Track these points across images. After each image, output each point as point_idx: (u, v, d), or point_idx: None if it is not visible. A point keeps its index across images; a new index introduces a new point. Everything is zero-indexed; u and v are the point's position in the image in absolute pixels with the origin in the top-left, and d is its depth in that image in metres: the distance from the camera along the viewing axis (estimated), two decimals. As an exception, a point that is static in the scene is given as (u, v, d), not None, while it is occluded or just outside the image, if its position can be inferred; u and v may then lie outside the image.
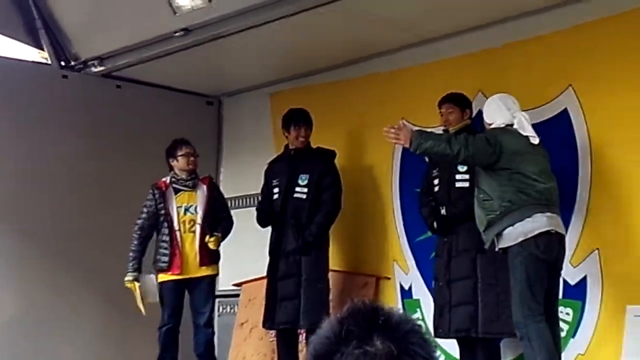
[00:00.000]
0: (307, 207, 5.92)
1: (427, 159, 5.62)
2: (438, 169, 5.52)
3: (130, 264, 6.02)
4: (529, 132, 4.85)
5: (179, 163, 6.14)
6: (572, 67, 5.43)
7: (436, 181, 5.55)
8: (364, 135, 6.52)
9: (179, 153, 6.14)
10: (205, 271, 6.07)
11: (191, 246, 6.03)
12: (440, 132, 5.41)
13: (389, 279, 6.21)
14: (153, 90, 7.35)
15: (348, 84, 6.66)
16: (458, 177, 5.40)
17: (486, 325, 5.19)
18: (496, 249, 4.82)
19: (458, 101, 5.51)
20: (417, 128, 5.27)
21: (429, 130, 5.27)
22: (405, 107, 6.20)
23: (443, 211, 5.40)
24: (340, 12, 5.73)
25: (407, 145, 4.83)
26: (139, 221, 6.08)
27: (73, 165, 6.82)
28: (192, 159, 6.15)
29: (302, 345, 6.09)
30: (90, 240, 6.74)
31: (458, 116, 5.47)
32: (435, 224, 5.46)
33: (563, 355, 4.92)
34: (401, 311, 1.43)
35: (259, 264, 6.24)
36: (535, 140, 4.84)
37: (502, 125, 4.90)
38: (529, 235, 4.64)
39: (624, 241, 5.14)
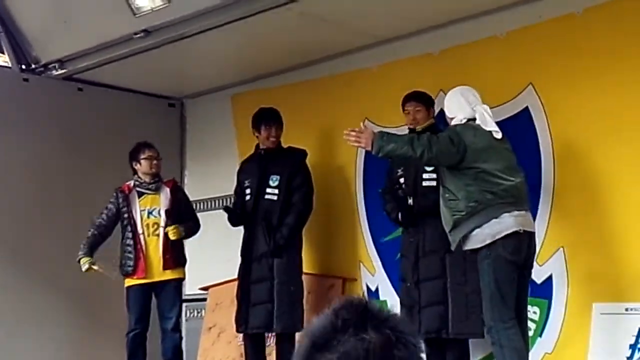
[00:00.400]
0: (278, 208, 5.70)
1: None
2: (403, 167, 5.31)
3: (81, 252, 5.79)
4: (491, 126, 4.60)
5: (142, 166, 5.96)
6: (532, 65, 5.26)
7: (401, 180, 5.34)
8: (327, 136, 6.31)
9: (142, 156, 5.97)
10: (170, 275, 5.88)
11: (155, 249, 5.85)
12: (406, 131, 5.21)
13: (355, 280, 6.04)
14: (115, 92, 7.13)
15: (309, 85, 6.47)
16: (425, 175, 5.19)
17: (457, 326, 5.01)
18: (463, 249, 4.62)
19: (424, 100, 5.31)
20: (379, 129, 5.07)
21: (391, 131, 5.05)
22: (367, 107, 6.01)
23: (410, 201, 5.18)
24: (297, 14, 5.53)
25: (368, 149, 4.55)
26: (97, 220, 5.91)
27: (35, 168, 6.60)
28: (155, 162, 5.97)
29: (270, 349, 5.92)
30: (53, 243, 6.49)
31: (425, 115, 5.28)
32: (400, 216, 5.26)
33: (531, 354, 4.74)
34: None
35: (226, 268, 6.07)
36: (499, 135, 4.59)
37: (464, 120, 4.65)
38: (497, 237, 4.42)
39: (589, 239, 4.99)
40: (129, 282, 5.89)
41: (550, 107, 5.15)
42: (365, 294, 5.97)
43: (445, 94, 5.39)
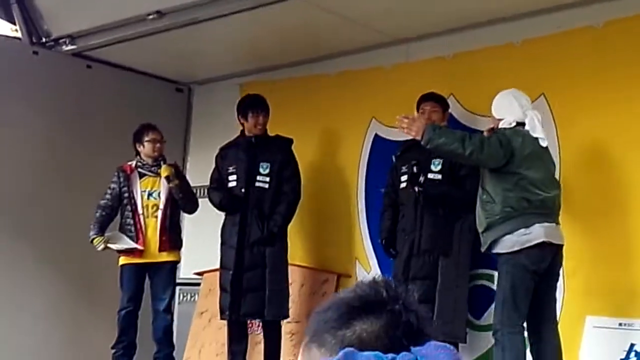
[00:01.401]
0: (269, 197, 5.56)
1: (394, 158, 5.32)
2: (408, 165, 5.19)
3: (93, 232, 5.72)
4: (538, 133, 4.49)
5: (145, 149, 5.88)
6: (546, 76, 5.15)
7: (404, 177, 5.23)
8: (333, 132, 6.21)
9: (146, 138, 5.88)
10: (166, 257, 5.80)
11: (153, 231, 5.77)
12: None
13: (350, 277, 5.92)
14: (123, 72, 6.96)
15: (318, 80, 6.34)
16: (430, 176, 5.10)
17: (441, 328, 4.87)
18: (492, 252, 4.54)
19: (441, 102, 5.23)
20: (385, 129, 4.94)
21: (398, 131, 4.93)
22: (375, 106, 5.91)
23: (421, 178, 5.06)
24: (313, 6, 5.41)
25: (418, 137, 4.46)
26: (102, 202, 5.82)
27: (37, 142, 6.44)
28: (158, 145, 5.88)
29: (256, 337, 5.83)
30: (49, 220, 6.35)
31: (440, 117, 5.18)
32: (383, 241, 5.27)
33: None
34: None
35: (222, 254, 5.91)
36: (544, 143, 4.51)
37: (513, 124, 4.52)
38: (525, 246, 4.36)
39: (589, 253, 4.90)
40: (123, 260, 5.81)
41: (560, 120, 5.05)
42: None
43: (456, 99, 5.31)
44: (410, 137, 4.83)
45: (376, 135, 5.94)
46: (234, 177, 5.65)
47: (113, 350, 5.75)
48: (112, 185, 5.83)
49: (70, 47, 6.60)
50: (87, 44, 6.53)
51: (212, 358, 6.28)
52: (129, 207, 5.78)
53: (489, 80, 5.27)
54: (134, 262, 5.75)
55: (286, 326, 5.87)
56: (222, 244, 5.66)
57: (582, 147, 5.01)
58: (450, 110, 5.38)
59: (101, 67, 6.84)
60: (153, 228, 5.76)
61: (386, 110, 5.78)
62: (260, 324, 5.78)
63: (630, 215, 4.81)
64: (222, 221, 5.78)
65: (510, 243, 4.40)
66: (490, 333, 4.56)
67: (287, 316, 5.59)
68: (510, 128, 4.51)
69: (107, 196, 5.82)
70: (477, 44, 5.48)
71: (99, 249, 5.73)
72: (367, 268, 5.90)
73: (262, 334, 5.73)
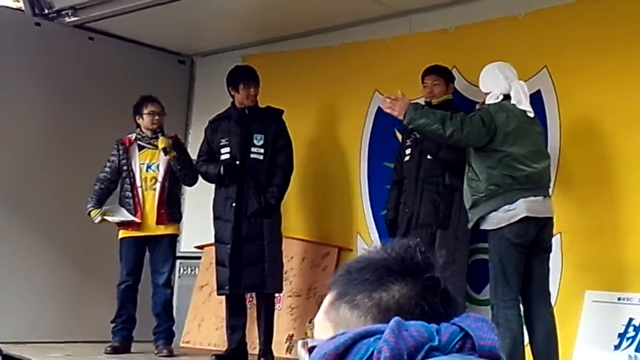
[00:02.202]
0: (265, 168, 5.61)
1: (398, 134, 5.41)
2: (410, 140, 5.29)
3: (90, 204, 5.81)
4: (525, 105, 4.55)
5: (144, 121, 5.93)
6: (549, 48, 5.20)
7: (407, 151, 5.33)
8: (335, 104, 6.27)
9: (145, 111, 5.93)
10: (164, 230, 5.86)
11: (152, 204, 5.85)
12: (422, 103, 5.15)
13: (351, 250, 6.01)
14: (126, 44, 7.03)
15: (321, 52, 6.40)
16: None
17: None
18: (480, 228, 4.62)
19: (444, 74, 5.30)
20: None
21: (422, 104, 4.99)
22: (377, 78, 5.96)
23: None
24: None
25: (400, 117, 4.60)
26: (101, 174, 5.90)
27: (38, 114, 6.50)
28: (157, 117, 5.92)
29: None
30: (49, 191, 6.44)
31: (442, 89, 5.26)
32: (388, 222, 5.40)
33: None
34: None
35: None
36: (531, 114, 4.58)
37: (500, 97, 4.58)
38: (511, 221, 4.44)
39: (587, 227, 4.97)
40: (123, 234, 5.88)
41: (562, 93, 5.10)
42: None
43: (459, 72, 5.37)
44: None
45: (379, 108, 5.99)
46: (226, 149, 5.67)
47: (113, 324, 5.83)
48: (112, 158, 5.90)
49: (72, 19, 6.66)
50: (89, 16, 6.60)
51: (212, 332, 6.39)
52: (127, 180, 5.84)
53: (491, 53, 5.29)
54: (133, 236, 5.82)
55: (287, 300, 5.97)
56: (216, 218, 5.70)
57: (583, 121, 5.05)
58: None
59: (103, 39, 6.90)
60: (151, 201, 5.83)
61: (389, 82, 5.81)
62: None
63: (630, 189, 4.86)
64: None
65: (496, 220, 4.49)
66: (490, 307, 4.65)
67: (281, 290, 5.71)
68: (496, 103, 4.57)
69: (106, 169, 5.90)
70: (480, 16, 5.52)
71: (96, 221, 5.81)
72: (369, 242, 5.96)
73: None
